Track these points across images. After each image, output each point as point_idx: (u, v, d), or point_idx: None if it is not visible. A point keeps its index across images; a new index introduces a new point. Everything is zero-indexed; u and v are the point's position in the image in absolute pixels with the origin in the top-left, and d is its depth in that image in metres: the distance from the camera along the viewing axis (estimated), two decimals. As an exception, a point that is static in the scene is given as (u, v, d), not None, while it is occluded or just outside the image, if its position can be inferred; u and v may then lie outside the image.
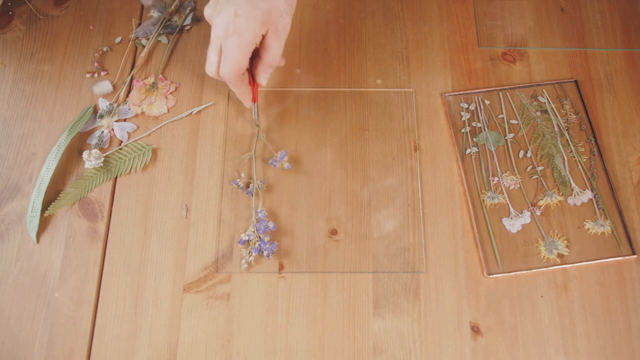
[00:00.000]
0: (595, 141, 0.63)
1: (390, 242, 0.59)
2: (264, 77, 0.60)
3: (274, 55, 0.57)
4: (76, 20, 0.71)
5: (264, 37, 0.56)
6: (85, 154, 0.61)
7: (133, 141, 0.64)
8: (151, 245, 0.59)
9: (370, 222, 0.60)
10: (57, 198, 0.60)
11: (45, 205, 0.60)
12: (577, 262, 0.57)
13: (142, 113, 0.65)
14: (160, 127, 0.65)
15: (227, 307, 0.56)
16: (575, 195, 0.60)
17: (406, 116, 0.65)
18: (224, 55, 0.55)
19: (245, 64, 0.56)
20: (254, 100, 0.61)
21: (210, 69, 0.57)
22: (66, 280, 0.57)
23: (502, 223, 0.59)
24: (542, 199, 0.60)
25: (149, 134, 0.64)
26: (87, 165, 0.61)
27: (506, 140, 0.64)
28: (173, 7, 0.71)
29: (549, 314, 0.56)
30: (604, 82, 0.67)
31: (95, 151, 0.61)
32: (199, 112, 0.65)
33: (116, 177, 0.62)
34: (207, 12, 0.57)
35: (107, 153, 0.63)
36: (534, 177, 0.62)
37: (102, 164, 0.61)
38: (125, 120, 0.65)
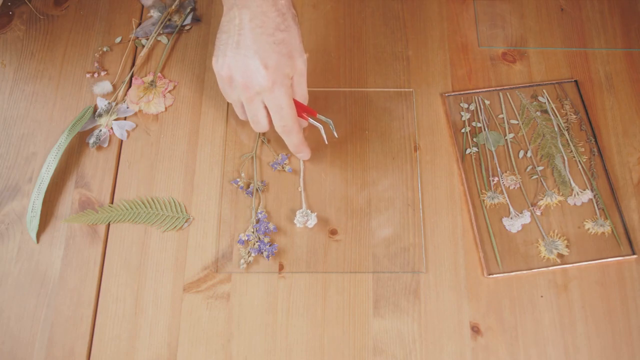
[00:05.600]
0: (595, 141, 0.63)
1: (390, 242, 0.59)
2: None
3: (303, 94, 0.57)
4: (76, 20, 0.71)
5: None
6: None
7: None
8: (151, 245, 0.59)
9: (370, 222, 0.60)
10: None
11: (46, 205, 0.60)
12: (577, 262, 0.57)
13: (140, 111, 0.65)
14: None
15: (227, 307, 0.56)
16: (575, 195, 0.60)
17: (406, 116, 0.65)
18: (275, 108, 0.54)
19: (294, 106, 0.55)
20: (313, 113, 0.58)
21: (262, 127, 0.57)
22: (66, 280, 0.57)
23: (502, 223, 0.59)
24: (542, 199, 0.60)
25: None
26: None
27: (506, 140, 0.64)
28: (173, 7, 0.71)
29: (549, 314, 0.56)
30: (604, 82, 0.67)
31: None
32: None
33: (116, 177, 0.62)
34: (221, 69, 0.53)
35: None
36: (534, 177, 0.62)
37: None
38: (125, 119, 0.65)
